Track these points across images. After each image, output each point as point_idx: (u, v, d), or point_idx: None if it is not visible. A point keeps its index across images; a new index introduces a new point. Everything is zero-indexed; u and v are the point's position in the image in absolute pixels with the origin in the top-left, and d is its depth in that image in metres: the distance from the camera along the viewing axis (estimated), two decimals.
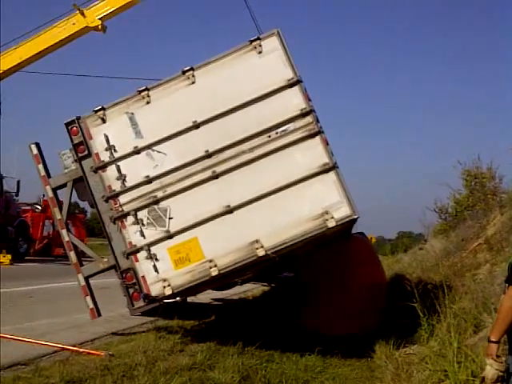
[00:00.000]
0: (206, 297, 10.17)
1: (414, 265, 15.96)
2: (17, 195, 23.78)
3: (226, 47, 6.63)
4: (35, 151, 6.81)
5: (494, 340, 3.01)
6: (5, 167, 23.02)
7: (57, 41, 16.16)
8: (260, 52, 6.46)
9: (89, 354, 5.57)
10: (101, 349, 5.83)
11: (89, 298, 6.59)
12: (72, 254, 6.71)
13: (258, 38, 6.48)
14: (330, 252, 7.49)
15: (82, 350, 5.75)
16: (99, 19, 15.51)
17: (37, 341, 5.79)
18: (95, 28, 15.70)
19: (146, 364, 5.13)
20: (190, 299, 8.05)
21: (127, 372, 4.87)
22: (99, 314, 6.57)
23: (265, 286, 13.68)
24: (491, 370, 2.99)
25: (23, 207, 25.97)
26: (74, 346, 5.85)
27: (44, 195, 25.93)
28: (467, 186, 17.02)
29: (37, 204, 27.90)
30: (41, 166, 6.78)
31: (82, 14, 15.56)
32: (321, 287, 7.66)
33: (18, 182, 23.37)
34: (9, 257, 20.33)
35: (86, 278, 6.65)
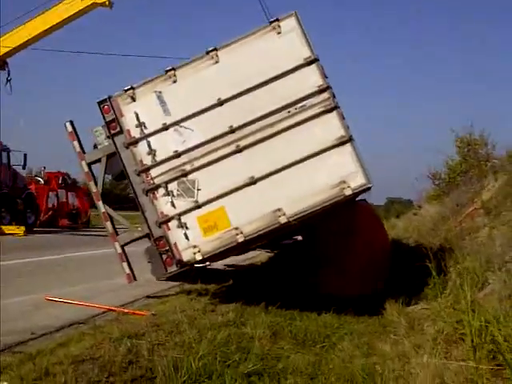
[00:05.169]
0: (219, 263, 10.68)
1: (410, 230, 16.56)
2: (23, 168, 24.17)
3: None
4: (70, 129, 7.22)
5: None
6: (11, 140, 23.41)
7: (65, 17, 16.39)
8: (279, 32, 6.87)
9: (134, 313, 6.11)
10: (142, 309, 6.37)
11: (125, 264, 7.10)
12: (108, 224, 7.17)
13: (277, 19, 6.88)
14: (337, 218, 7.84)
15: (127, 310, 6.30)
16: None
17: (86, 303, 6.32)
18: (102, 4, 15.90)
19: (187, 321, 5.68)
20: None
21: (174, 327, 5.44)
22: (135, 279, 7.11)
23: (268, 252, 14.32)
24: None
25: None
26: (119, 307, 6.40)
27: (45, 168, 26.40)
28: (460, 152, 17.58)
29: (37, 176, 28.27)
30: (76, 143, 7.21)
31: None
32: (330, 251, 8.16)
33: (25, 156, 23.71)
34: (22, 228, 20.89)
35: (122, 246, 7.14)
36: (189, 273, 7.72)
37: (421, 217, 18.15)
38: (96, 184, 7.23)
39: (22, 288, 7.97)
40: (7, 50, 18.34)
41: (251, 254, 12.85)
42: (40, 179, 28.14)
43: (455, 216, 12.58)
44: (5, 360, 4.16)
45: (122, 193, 45.47)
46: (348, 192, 6.71)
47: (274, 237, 8.75)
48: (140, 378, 4.07)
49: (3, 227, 21.10)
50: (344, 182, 6.71)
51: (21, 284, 8.51)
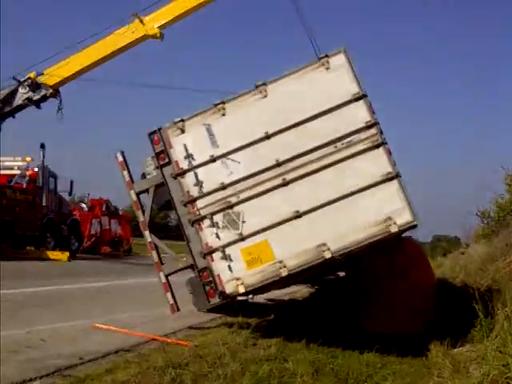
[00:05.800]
0: (260, 297, 10.68)
1: (456, 269, 16.19)
2: (70, 194, 24.89)
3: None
4: (120, 158, 7.43)
5: None
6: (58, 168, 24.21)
7: (116, 48, 16.92)
8: (328, 68, 6.95)
9: (177, 344, 6.14)
10: (185, 340, 6.40)
11: (169, 294, 7.17)
12: (154, 254, 7.27)
13: (326, 56, 6.98)
14: (383, 254, 7.75)
15: (170, 340, 6.34)
16: (157, 27, 16.21)
17: (131, 332, 6.40)
18: (153, 36, 16.41)
19: (229, 354, 5.67)
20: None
21: (216, 359, 5.44)
22: (178, 309, 7.16)
23: (309, 287, 14.23)
24: None
25: None
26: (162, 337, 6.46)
27: (89, 194, 27.19)
28: (510, 190, 17.20)
29: (81, 203, 29.02)
30: (125, 173, 7.40)
31: (141, 22, 16.27)
32: (374, 288, 8.07)
33: (72, 182, 24.46)
34: (67, 254, 21.39)
35: (167, 276, 7.22)
36: (231, 305, 7.73)
37: (468, 256, 17.74)
38: (143, 213, 7.38)
39: (69, 314, 8.15)
40: (59, 79, 19.10)
41: (292, 288, 12.80)
42: (84, 206, 28.87)
43: (504, 256, 12.25)
44: (55, 382, 4.25)
45: (162, 221, 46.23)
46: (394, 229, 6.65)
47: (318, 272, 8.71)
48: None
49: (48, 252, 21.64)
50: (390, 218, 6.66)
51: (68, 310, 8.71)
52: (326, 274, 12.17)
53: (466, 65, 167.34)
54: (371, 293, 7.97)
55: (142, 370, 4.80)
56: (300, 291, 13.62)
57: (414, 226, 7.04)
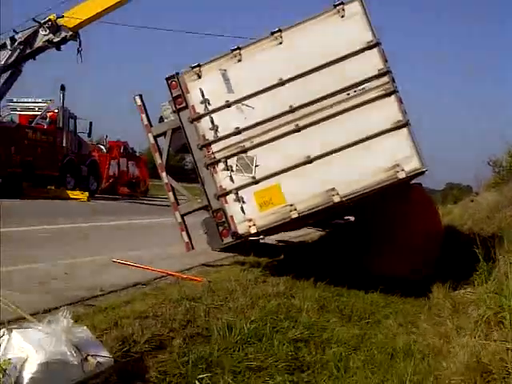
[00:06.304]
0: (271, 238, 11.05)
1: (465, 217, 16.43)
2: (89, 136, 25.25)
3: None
4: (139, 102, 7.63)
5: None
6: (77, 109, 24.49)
7: None
8: (343, 16, 7.01)
9: (191, 279, 6.52)
10: (199, 276, 6.80)
11: (184, 233, 7.51)
12: (170, 195, 7.57)
13: (342, 3, 7.02)
14: (391, 200, 7.97)
15: (185, 276, 6.74)
16: None
17: (148, 267, 6.81)
18: None
19: (240, 290, 6.06)
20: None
21: (228, 294, 5.82)
22: (193, 248, 7.53)
23: (319, 230, 14.60)
24: None
25: None
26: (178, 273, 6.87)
27: (107, 136, 27.66)
28: None
29: (100, 144, 29.40)
30: (144, 116, 7.61)
31: None
32: (383, 233, 8.33)
33: (91, 124, 24.82)
34: (86, 194, 22.00)
35: (182, 216, 7.55)
36: (243, 245, 8.09)
37: (477, 204, 17.93)
38: (161, 156, 7.65)
39: (90, 249, 8.59)
40: (79, 21, 19.16)
41: (303, 231, 13.16)
42: (102, 147, 29.26)
43: (511, 205, 12.44)
44: (78, 311, 4.64)
45: (177, 164, 46.69)
46: (402, 175, 6.86)
47: (327, 215, 9.00)
48: (197, 335, 4.45)
49: (68, 192, 22.22)
50: (398, 165, 6.86)
51: (89, 245, 9.18)
52: (336, 217, 12.50)
53: None
54: (378, 237, 8.25)
55: (158, 302, 5.15)
56: (310, 234, 13.97)
57: (422, 173, 7.24)
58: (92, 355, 3.08)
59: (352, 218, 11.67)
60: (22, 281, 5.79)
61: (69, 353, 2.98)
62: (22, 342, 2.99)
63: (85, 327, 3.34)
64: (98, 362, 3.10)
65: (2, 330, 3.10)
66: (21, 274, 6.12)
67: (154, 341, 4.09)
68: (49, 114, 23.08)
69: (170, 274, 6.73)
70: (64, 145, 23.17)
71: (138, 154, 33.51)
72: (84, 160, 24.75)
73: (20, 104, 23.11)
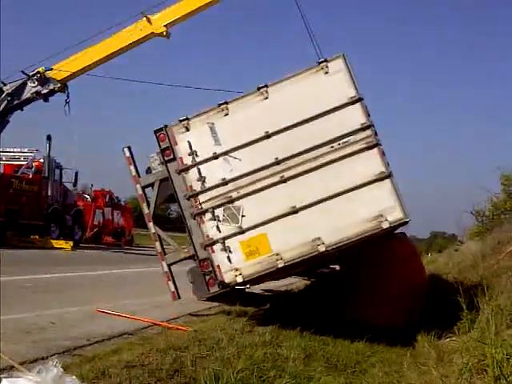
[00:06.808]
0: (257, 288, 11.05)
1: (450, 265, 16.58)
2: (74, 185, 25.27)
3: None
4: (127, 154, 7.80)
5: None
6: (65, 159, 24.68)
7: (124, 45, 17.34)
8: (327, 72, 7.28)
9: (177, 329, 6.54)
10: (185, 326, 6.80)
11: (171, 283, 7.55)
12: (157, 244, 7.65)
13: (326, 60, 7.33)
14: (376, 250, 8.09)
15: (171, 325, 6.75)
16: (164, 26, 16.62)
17: (134, 316, 6.81)
18: (160, 34, 16.82)
19: (227, 339, 6.08)
20: None
21: (215, 344, 5.84)
22: (179, 297, 7.56)
23: (305, 279, 14.63)
24: None
25: None
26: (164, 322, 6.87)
27: (92, 185, 27.71)
28: (505, 190, 17.58)
29: (85, 194, 29.43)
30: (132, 167, 7.77)
31: (149, 20, 16.69)
32: (367, 282, 8.39)
33: (76, 174, 24.95)
34: (71, 243, 21.86)
35: (169, 266, 7.61)
36: (229, 295, 8.11)
37: (462, 253, 18.12)
38: (148, 206, 7.76)
39: (75, 299, 8.56)
40: (68, 74, 19.52)
41: (288, 280, 13.20)
42: (87, 196, 29.30)
43: (495, 254, 12.60)
44: (66, 361, 4.65)
45: (162, 213, 46.71)
46: (385, 225, 7.02)
47: (312, 264, 9.08)
48: None
49: (52, 241, 22.09)
50: (382, 215, 7.03)
51: (73, 296, 9.14)
52: (321, 266, 12.56)
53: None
54: (362, 286, 8.30)
55: (145, 351, 5.18)
56: (296, 283, 14.00)
57: (405, 223, 7.42)
58: None
59: (337, 267, 11.74)
60: (8, 331, 5.76)
61: None
62: None
63: (74, 377, 3.37)
64: None
65: None
66: (7, 324, 6.09)
67: None
68: (34, 164, 23.19)
69: (157, 324, 6.75)
70: (49, 194, 23.19)
71: (122, 203, 33.53)
72: (69, 209, 24.77)
73: (5, 153, 23.25)
